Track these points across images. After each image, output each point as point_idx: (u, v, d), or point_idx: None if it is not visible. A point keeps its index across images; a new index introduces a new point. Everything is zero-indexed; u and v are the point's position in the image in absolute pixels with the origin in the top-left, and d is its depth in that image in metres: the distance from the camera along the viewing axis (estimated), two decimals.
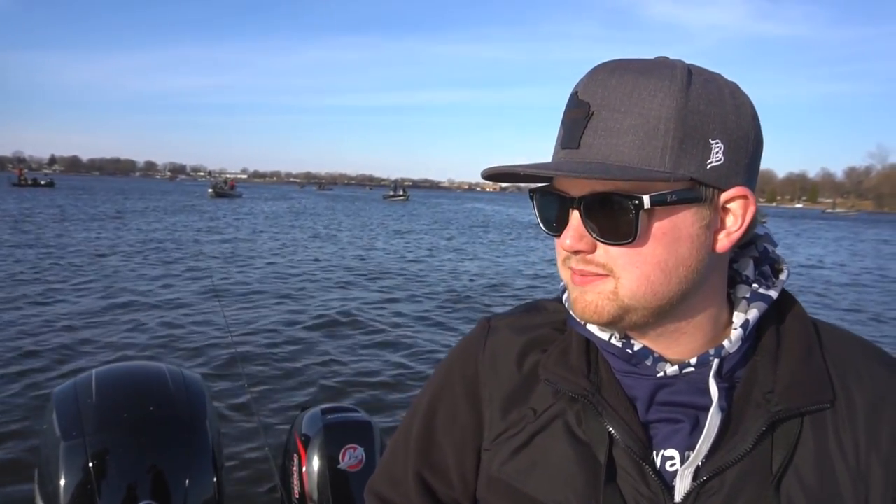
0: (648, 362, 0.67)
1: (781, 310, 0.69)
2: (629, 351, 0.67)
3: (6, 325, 7.24)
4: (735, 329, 0.66)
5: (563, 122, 0.63)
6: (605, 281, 0.62)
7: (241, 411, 4.84)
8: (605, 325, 0.65)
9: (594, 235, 0.61)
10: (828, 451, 0.63)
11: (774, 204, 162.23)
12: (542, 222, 0.67)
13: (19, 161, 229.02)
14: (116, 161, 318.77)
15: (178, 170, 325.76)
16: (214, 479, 1.85)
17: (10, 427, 4.44)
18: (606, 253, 0.62)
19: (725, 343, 0.65)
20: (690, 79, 0.59)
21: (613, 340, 0.68)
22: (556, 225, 0.65)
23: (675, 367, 0.66)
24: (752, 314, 0.66)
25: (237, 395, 5.15)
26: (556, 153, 0.64)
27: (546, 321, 0.77)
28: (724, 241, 0.63)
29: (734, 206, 0.62)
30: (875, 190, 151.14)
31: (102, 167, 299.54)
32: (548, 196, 0.66)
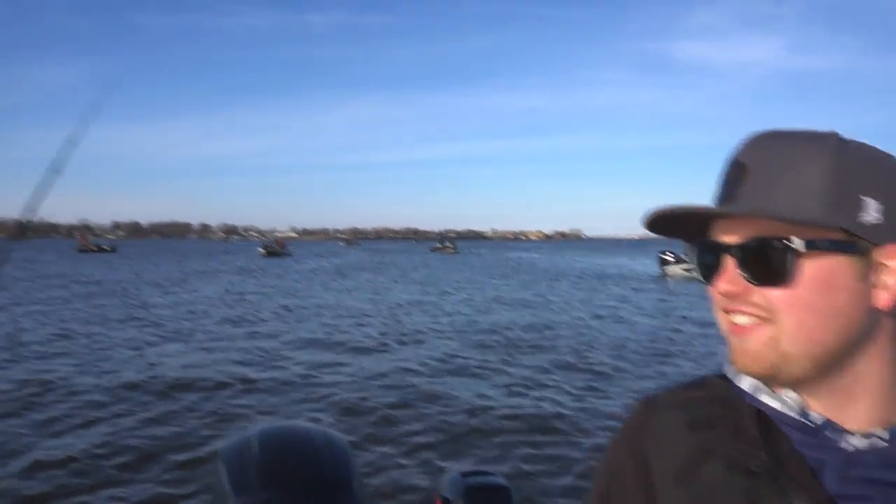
0: (828, 433, 0.64)
1: None
2: (806, 421, 0.65)
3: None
4: None
5: (720, 184, 0.67)
6: (764, 327, 0.63)
7: (381, 473, 5.00)
8: (765, 376, 0.65)
9: (746, 277, 0.64)
10: None
11: None
12: (700, 270, 0.70)
13: (87, 228, 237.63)
14: (173, 224, 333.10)
15: (230, 230, 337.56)
16: None
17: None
18: (762, 295, 0.63)
19: None
20: (845, 142, 0.64)
21: (789, 411, 0.66)
22: (712, 272, 0.67)
23: (862, 439, 0.63)
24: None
25: (377, 455, 5.34)
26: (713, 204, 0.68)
27: (711, 395, 0.74)
28: (884, 297, 0.63)
29: (893, 263, 0.63)
30: None
31: (161, 230, 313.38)
32: (704, 245, 0.69)
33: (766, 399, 0.68)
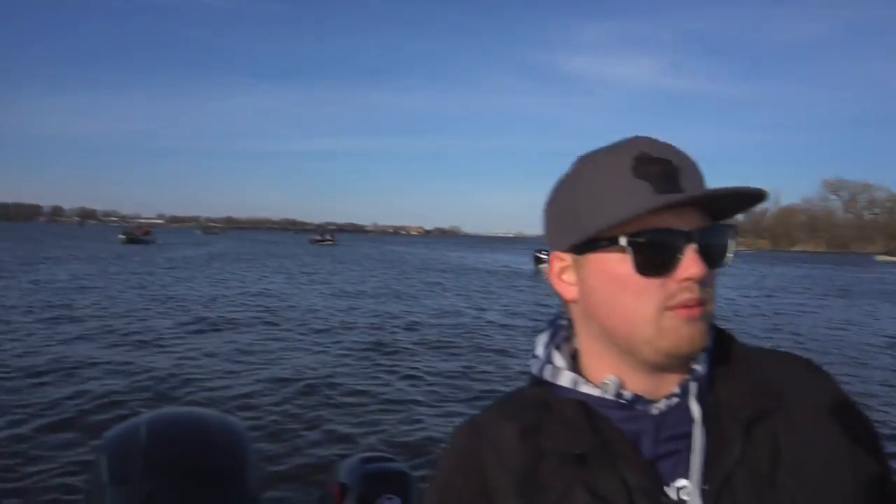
0: (640, 406, 0.72)
1: (719, 335, 0.78)
2: (623, 401, 0.72)
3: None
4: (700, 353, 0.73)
5: (653, 175, 0.69)
6: (705, 307, 0.69)
7: (279, 460, 4.86)
8: (700, 350, 0.71)
9: (707, 262, 0.68)
10: (797, 440, 0.71)
11: None
12: (644, 266, 0.69)
13: None
14: (18, 206, 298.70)
15: (87, 214, 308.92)
16: None
17: (57, 470, 4.62)
18: (709, 281, 0.70)
19: (696, 367, 0.72)
20: None
21: (606, 395, 0.73)
22: (665, 264, 0.68)
23: (664, 401, 0.72)
24: (708, 339, 0.74)
25: (275, 442, 5.19)
26: (650, 198, 0.67)
27: (534, 402, 0.77)
28: None
29: None
30: (771, 229, 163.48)
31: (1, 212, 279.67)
32: (657, 235, 0.68)
33: (585, 389, 0.74)
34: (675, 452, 0.70)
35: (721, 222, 0.72)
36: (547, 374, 0.77)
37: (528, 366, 0.81)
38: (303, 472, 4.70)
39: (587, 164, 0.74)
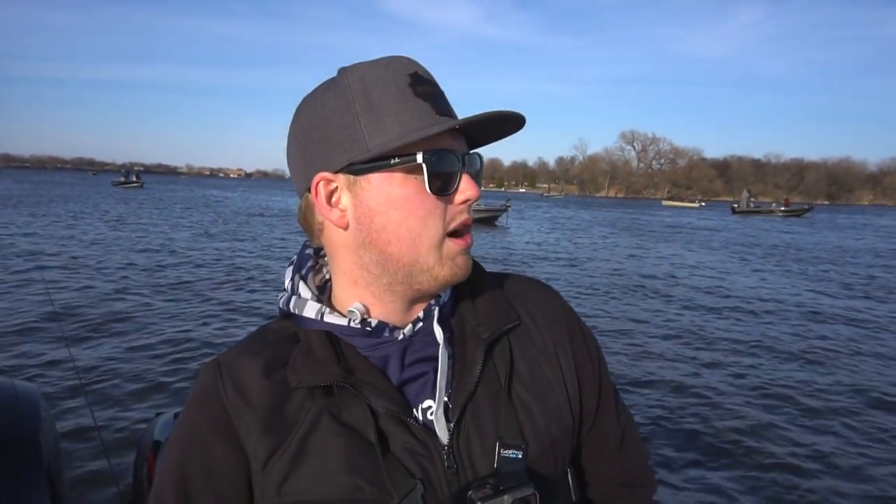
0: (386, 333, 0.73)
1: None
2: (368, 328, 0.72)
3: None
4: None
5: (430, 95, 0.69)
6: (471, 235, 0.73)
7: (87, 425, 4.35)
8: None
9: (481, 186, 0.74)
10: (531, 354, 0.78)
11: (503, 188, 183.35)
12: (435, 186, 0.68)
13: None
14: None
15: None
16: (50, 502, 1.68)
17: None
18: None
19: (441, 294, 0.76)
20: None
21: (352, 323, 0.72)
22: (450, 185, 0.69)
23: (409, 327, 0.74)
24: None
25: (80, 406, 4.64)
26: (433, 118, 0.68)
27: (277, 338, 0.75)
28: None
29: None
30: (579, 177, 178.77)
31: None
32: (446, 156, 0.69)
33: (330, 319, 0.73)
34: (422, 375, 0.72)
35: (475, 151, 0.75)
36: (293, 306, 0.76)
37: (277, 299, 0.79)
38: (111, 435, 4.32)
39: (355, 77, 0.69)
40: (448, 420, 0.71)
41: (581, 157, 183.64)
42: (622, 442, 0.88)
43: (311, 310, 0.74)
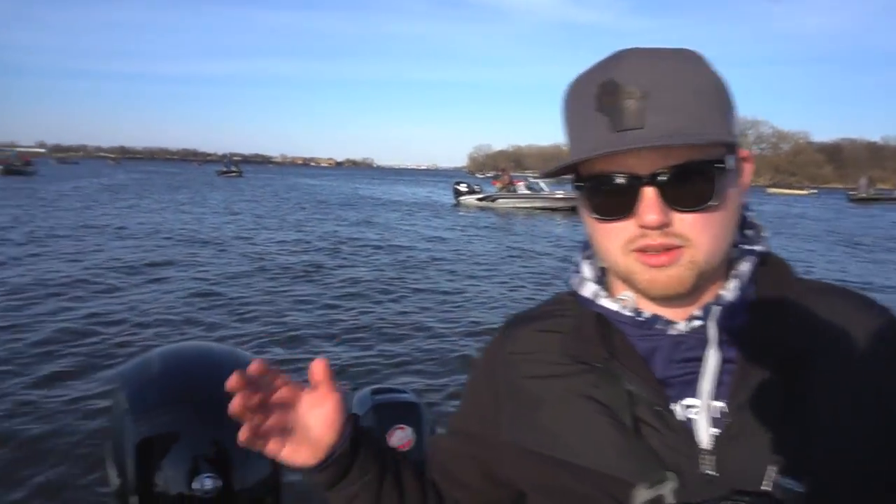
0: (659, 325, 0.71)
1: (770, 265, 0.75)
2: (640, 319, 0.71)
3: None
4: (731, 280, 0.71)
5: (608, 109, 0.63)
6: (681, 252, 0.65)
7: None
8: (686, 296, 0.68)
9: (674, 206, 0.64)
10: (842, 385, 0.67)
11: None
12: (598, 209, 0.67)
13: None
14: None
15: None
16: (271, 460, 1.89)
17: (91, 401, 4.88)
18: (682, 223, 0.65)
19: (723, 293, 0.70)
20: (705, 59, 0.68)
21: (623, 310, 0.72)
22: (620, 208, 0.66)
23: (683, 323, 0.70)
24: (745, 266, 0.72)
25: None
26: (606, 139, 0.63)
27: (561, 308, 0.81)
28: (742, 200, 0.72)
29: (747, 166, 0.72)
30: None
31: None
32: (608, 179, 0.66)
33: (604, 303, 0.74)
34: (689, 374, 0.69)
35: (695, 159, 0.64)
36: (574, 284, 0.80)
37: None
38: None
39: (569, 89, 0.70)
40: (714, 425, 0.67)
41: None
42: None
43: (588, 290, 0.77)
